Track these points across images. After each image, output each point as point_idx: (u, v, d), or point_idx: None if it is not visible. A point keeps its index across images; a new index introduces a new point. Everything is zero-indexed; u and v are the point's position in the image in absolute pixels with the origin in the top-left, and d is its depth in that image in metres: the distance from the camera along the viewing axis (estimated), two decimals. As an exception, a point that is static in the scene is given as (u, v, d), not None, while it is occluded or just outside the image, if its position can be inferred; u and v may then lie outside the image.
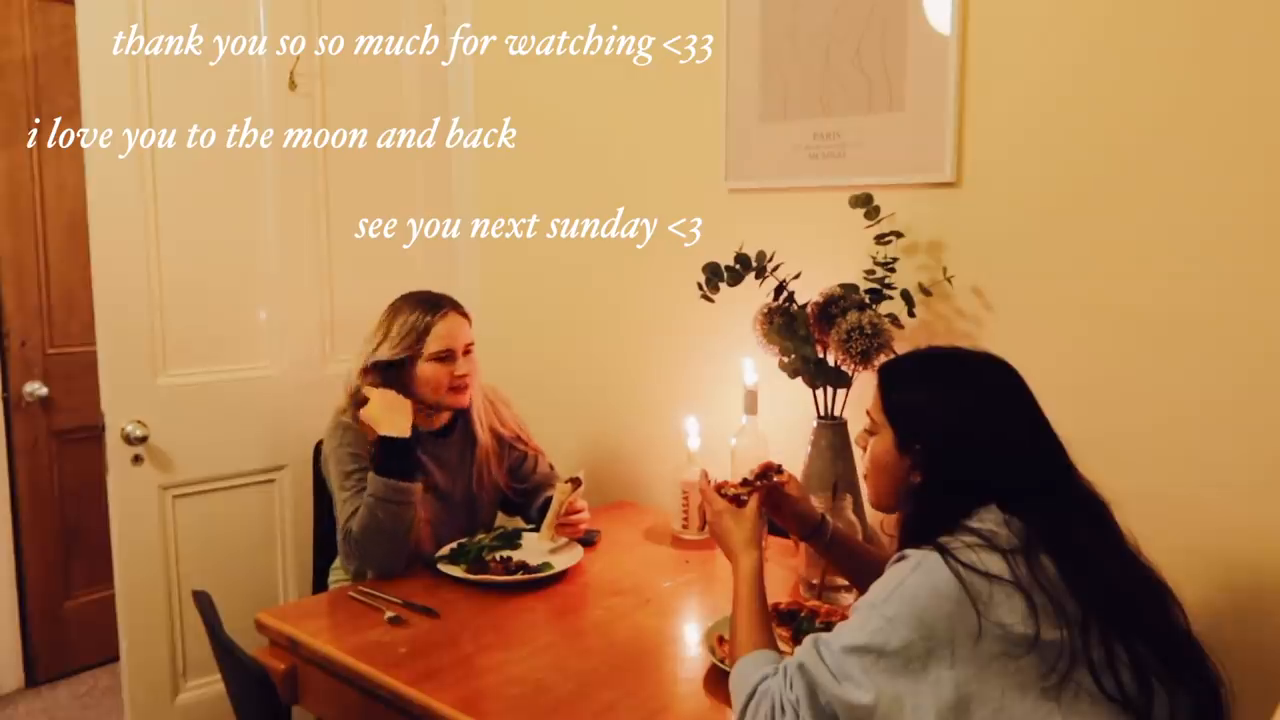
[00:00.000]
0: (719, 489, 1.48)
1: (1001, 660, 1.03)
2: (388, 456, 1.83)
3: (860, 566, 1.56)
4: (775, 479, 1.52)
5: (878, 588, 1.10)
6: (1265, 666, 1.50)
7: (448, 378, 1.93)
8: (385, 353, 1.92)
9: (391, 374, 1.93)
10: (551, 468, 2.19)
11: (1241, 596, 1.57)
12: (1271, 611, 1.54)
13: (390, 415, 1.87)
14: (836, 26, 1.96)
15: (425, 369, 1.93)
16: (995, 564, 1.05)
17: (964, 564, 1.05)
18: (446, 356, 1.93)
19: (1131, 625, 1.07)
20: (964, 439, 1.18)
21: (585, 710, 1.33)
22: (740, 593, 1.32)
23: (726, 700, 1.24)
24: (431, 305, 1.95)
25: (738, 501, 1.46)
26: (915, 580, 1.06)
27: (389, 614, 1.63)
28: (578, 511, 1.93)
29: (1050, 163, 1.72)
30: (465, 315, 1.99)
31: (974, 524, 1.10)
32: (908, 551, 1.10)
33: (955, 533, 1.10)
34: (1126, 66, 1.62)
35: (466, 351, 1.97)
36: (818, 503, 1.66)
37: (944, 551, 1.06)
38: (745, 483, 1.50)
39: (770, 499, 1.53)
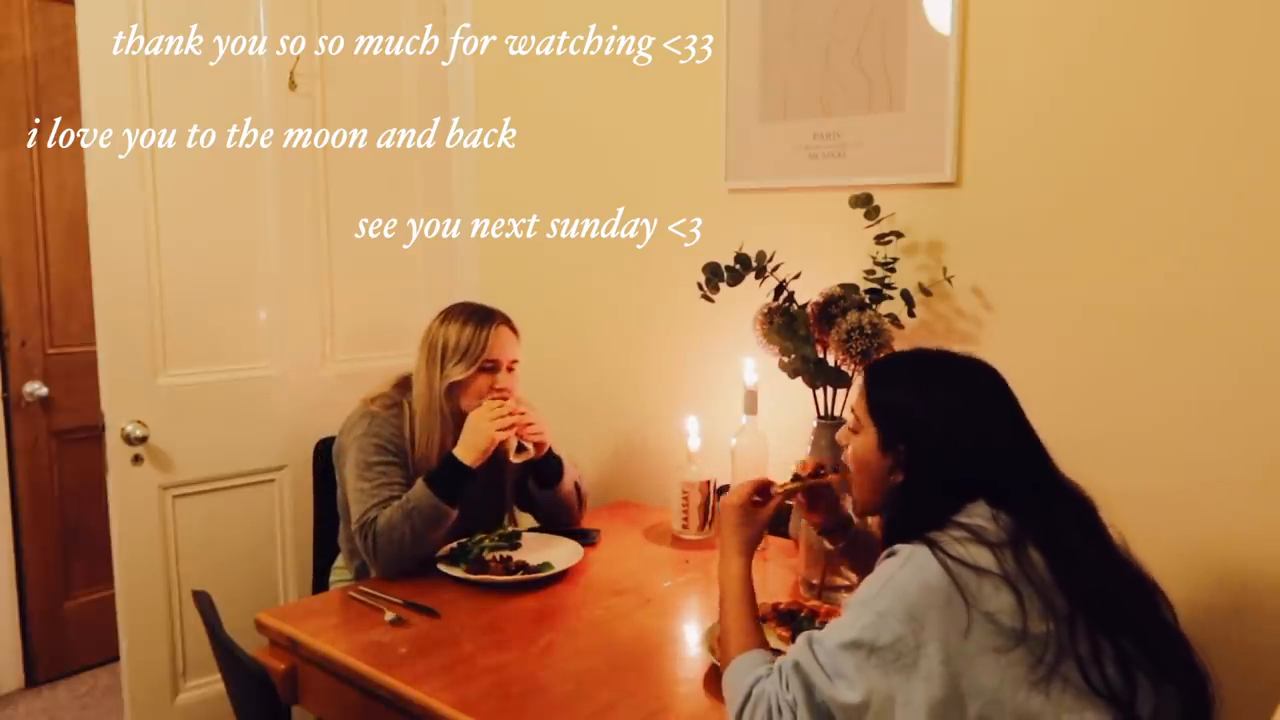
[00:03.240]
0: (765, 485, 1.45)
1: (991, 654, 1.03)
2: (447, 474, 1.82)
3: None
4: (822, 475, 1.52)
5: (868, 584, 1.11)
6: (1261, 666, 1.51)
7: (488, 388, 1.94)
8: (460, 373, 1.91)
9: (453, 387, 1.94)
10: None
11: (1237, 596, 1.57)
12: (1267, 611, 1.54)
13: (470, 437, 1.85)
14: (836, 26, 1.96)
15: (471, 378, 1.93)
16: (984, 558, 1.06)
17: (953, 557, 1.05)
18: (491, 367, 1.94)
19: (1118, 621, 1.08)
20: (948, 442, 1.18)
21: (585, 710, 1.33)
22: (731, 593, 1.32)
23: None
24: (484, 317, 1.96)
25: (766, 496, 1.43)
26: (905, 575, 1.07)
27: (389, 614, 1.63)
28: (529, 425, 1.92)
29: (1050, 162, 1.72)
30: (515, 330, 2.00)
31: (962, 518, 1.11)
32: (897, 546, 1.11)
33: (944, 527, 1.10)
34: (1126, 67, 1.62)
35: (510, 367, 1.97)
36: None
37: (933, 545, 1.07)
38: (796, 478, 1.49)
39: (811, 494, 1.52)
